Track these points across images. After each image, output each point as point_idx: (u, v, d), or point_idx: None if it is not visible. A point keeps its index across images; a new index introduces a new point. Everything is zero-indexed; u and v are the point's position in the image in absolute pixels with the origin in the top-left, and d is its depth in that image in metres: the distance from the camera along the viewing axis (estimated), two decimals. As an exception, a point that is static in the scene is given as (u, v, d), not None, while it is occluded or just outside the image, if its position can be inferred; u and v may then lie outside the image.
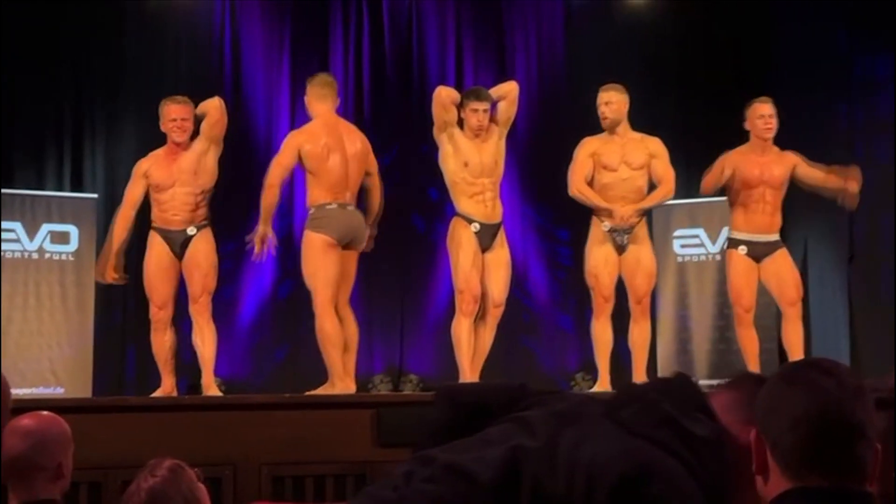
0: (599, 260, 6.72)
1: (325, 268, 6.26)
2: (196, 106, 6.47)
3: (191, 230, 6.40)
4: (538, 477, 1.59)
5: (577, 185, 6.74)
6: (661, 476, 1.58)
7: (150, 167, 6.44)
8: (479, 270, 6.54)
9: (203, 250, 6.42)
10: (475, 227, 6.52)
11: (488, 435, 1.71)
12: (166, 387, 6.46)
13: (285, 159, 6.36)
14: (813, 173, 6.67)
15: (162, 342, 6.45)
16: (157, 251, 6.44)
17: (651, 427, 1.64)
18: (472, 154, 6.50)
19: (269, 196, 6.30)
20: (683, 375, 1.81)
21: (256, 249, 6.26)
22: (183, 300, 6.55)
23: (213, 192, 6.52)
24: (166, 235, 6.42)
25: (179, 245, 6.41)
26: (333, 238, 6.25)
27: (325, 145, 6.29)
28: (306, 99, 6.55)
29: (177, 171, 6.37)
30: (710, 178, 6.69)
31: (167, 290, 6.43)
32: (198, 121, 6.45)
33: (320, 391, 6.25)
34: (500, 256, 6.63)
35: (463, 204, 6.56)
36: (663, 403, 1.67)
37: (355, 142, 6.44)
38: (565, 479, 1.58)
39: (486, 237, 6.55)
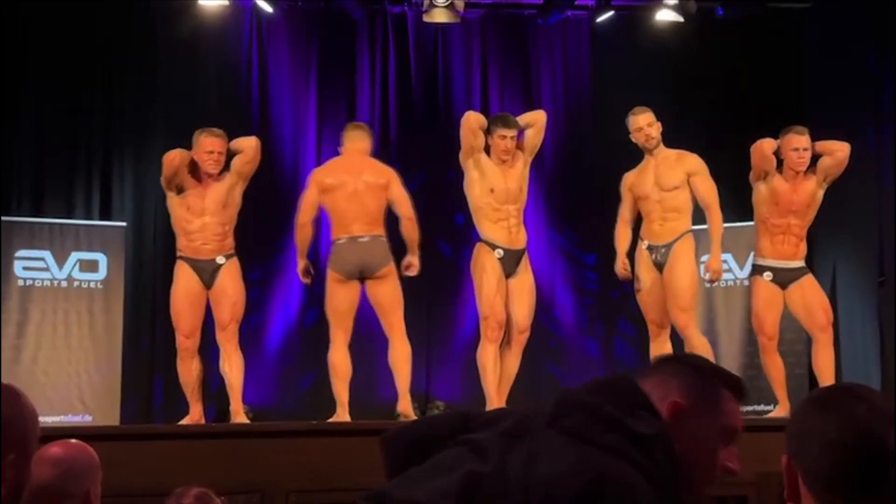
0: (647, 283, 6.69)
1: (334, 303, 6.51)
2: (230, 139, 6.54)
3: (220, 259, 6.45)
4: (494, 503, 1.58)
5: (617, 231, 6.90)
6: (616, 484, 1.58)
7: (188, 189, 6.47)
8: (504, 296, 6.55)
9: (232, 279, 6.49)
10: (499, 252, 6.53)
11: (439, 460, 1.69)
12: (194, 414, 6.48)
13: (309, 196, 6.57)
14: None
15: (189, 370, 6.47)
16: (185, 280, 6.46)
17: (598, 433, 1.65)
18: (497, 180, 6.52)
19: (301, 233, 6.58)
20: (619, 375, 1.81)
21: (303, 279, 6.71)
22: (209, 328, 6.58)
23: (237, 223, 6.58)
24: (195, 265, 6.44)
25: (209, 274, 6.45)
26: (340, 273, 6.46)
27: (340, 179, 6.47)
28: (340, 148, 6.73)
29: (207, 201, 6.42)
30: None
31: (194, 319, 6.46)
32: (229, 154, 6.51)
33: (331, 420, 6.32)
34: (524, 282, 6.64)
35: (487, 229, 6.58)
36: (606, 406, 1.67)
37: (373, 175, 6.52)
38: (522, 502, 1.57)
39: (509, 263, 6.55)
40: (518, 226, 6.61)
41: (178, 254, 6.52)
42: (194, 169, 6.43)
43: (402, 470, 1.74)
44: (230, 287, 6.47)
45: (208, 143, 6.40)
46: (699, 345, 6.53)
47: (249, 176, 6.57)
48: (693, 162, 6.68)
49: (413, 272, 6.63)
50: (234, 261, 6.52)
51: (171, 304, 6.54)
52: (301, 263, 6.59)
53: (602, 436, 1.64)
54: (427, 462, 1.71)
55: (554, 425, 1.69)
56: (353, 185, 6.45)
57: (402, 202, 6.59)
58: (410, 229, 6.59)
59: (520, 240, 6.63)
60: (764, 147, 6.55)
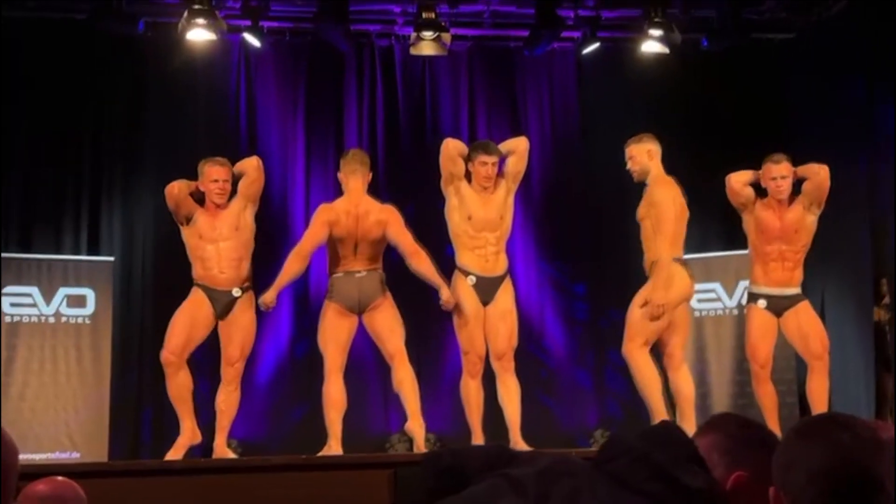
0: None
1: (333, 334, 6.46)
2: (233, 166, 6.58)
3: (236, 291, 6.45)
4: None
5: None
6: None
7: (197, 216, 6.47)
8: (483, 328, 6.54)
9: (247, 314, 6.51)
10: (471, 279, 6.54)
11: (476, 493, 1.67)
12: (187, 432, 6.38)
13: (318, 234, 6.47)
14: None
15: (177, 385, 6.40)
16: (194, 302, 6.45)
17: (644, 480, 1.61)
18: (476, 208, 6.55)
19: (294, 263, 6.43)
20: (671, 424, 1.78)
21: (264, 306, 6.37)
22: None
23: (253, 250, 6.58)
24: (211, 294, 6.44)
25: (223, 305, 6.44)
26: (341, 305, 6.43)
27: (344, 223, 6.42)
28: (339, 174, 6.66)
29: (220, 227, 6.43)
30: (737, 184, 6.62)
31: (188, 340, 6.43)
32: (234, 180, 6.53)
33: (321, 454, 6.28)
34: (501, 308, 6.59)
35: (464, 257, 6.60)
36: (654, 455, 1.63)
37: (374, 215, 6.48)
38: None
39: (484, 291, 6.56)
40: (496, 254, 6.61)
41: (196, 281, 6.51)
42: (202, 199, 6.46)
43: (432, 492, 1.73)
44: (244, 322, 6.50)
45: (213, 172, 6.45)
46: (636, 370, 6.44)
47: (257, 197, 6.61)
48: (652, 192, 6.53)
49: (450, 305, 6.49)
50: (250, 294, 6.53)
51: (171, 319, 6.50)
52: (273, 294, 6.31)
53: (648, 483, 1.60)
54: (463, 492, 1.69)
55: (599, 468, 1.66)
56: (355, 229, 6.43)
57: (405, 240, 6.51)
58: (423, 261, 6.49)
59: (497, 268, 6.61)
60: (731, 182, 6.62)
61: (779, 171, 6.53)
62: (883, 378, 8.11)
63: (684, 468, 1.63)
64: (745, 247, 6.92)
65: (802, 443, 1.55)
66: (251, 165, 6.62)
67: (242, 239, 6.51)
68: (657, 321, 6.39)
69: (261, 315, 8.61)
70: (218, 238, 6.44)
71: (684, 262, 6.57)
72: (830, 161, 6.73)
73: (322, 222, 6.47)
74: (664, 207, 6.44)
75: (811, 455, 1.52)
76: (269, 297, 6.30)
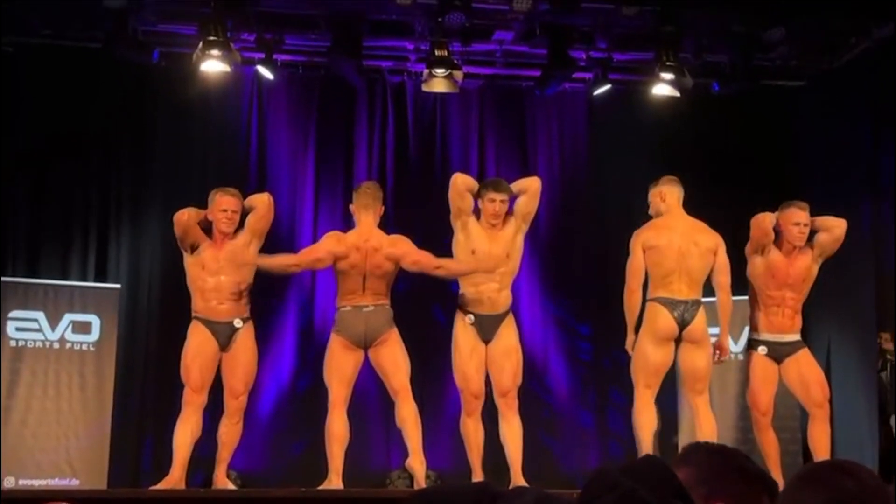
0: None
1: (339, 367, 6.41)
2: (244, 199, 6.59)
3: (237, 322, 6.43)
4: None
5: None
6: None
7: (202, 247, 6.47)
8: (479, 365, 6.50)
9: (247, 346, 6.47)
10: (469, 318, 6.51)
11: None
12: (174, 476, 6.28)
13: (318, 253, 6.48)
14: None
15: (185, 428, 6.32)
16: (200, 338, 6.42)
17: None
18: (481, 243, 6.53)
19: (287, 260, 6.55)
20: (656, 459, 1.77)
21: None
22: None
23: (252, 284, 6.57)
24: (212, 326, 6.42)
25: (225, 337, 6.42)
26: (347, 339, 6.39)
27: (354, 257, 6.40)
28: (352, 206, 6.65)
29: (223, 260, 6.42)
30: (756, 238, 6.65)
31: (204, 376, 6.40)
32: (244, 214, 6.53)
33: (321, 487, 6.24)
34: (505, 345, 6.55)
35: (466, 293, 6.59)
36: (639, 491, 1.62)
37: (384, 250, 6.45)
38: None
39: (485, 329, 6.52)
40: (500, 291, 6.57)
41: (194, 314, 6.49)
42: (209, 228, 6.46)
43: None
44: (245, 354, 6.47)
45: (223, 202, 6.45)
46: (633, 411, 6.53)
47: (264, 233, 6.60)
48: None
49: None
50: (250, 325, 6.52)
51: (181, 360, 6.46)
52: (272, 262, 6.45)
53: None
54: None
55: None
56: (364, 265, 6.41)
57: (422, 261, 6.49)
58: (448, 269, 6.49)
59: (499, 305, 6.57)
60: (766, 221, 6.57)
61: (802, 218, 6.53)
62: (886, 426, 8.07)
63: None
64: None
65: (807, 488, 1.55)
66: (262, 201, 6.62)
67: (244, 273, 6.49)
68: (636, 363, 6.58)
69: (264, 347, 8.65)
70: (219, 271, 6.42)
71: (665, 301, 6.57)
72: (836, 209, 6.73)
73: (327, 250, 6.45)
74: (630, 250, 6.62)
75: (815, 501, 1.52)
76: (265, 261, 6.41)
